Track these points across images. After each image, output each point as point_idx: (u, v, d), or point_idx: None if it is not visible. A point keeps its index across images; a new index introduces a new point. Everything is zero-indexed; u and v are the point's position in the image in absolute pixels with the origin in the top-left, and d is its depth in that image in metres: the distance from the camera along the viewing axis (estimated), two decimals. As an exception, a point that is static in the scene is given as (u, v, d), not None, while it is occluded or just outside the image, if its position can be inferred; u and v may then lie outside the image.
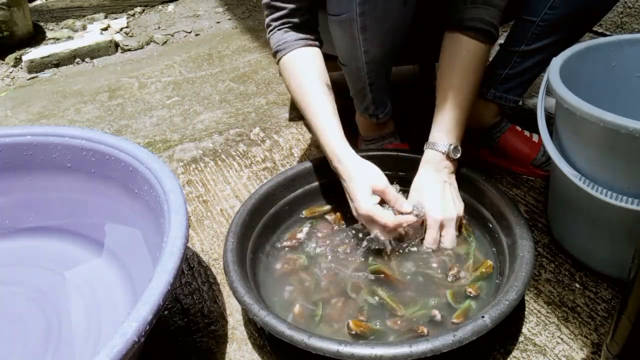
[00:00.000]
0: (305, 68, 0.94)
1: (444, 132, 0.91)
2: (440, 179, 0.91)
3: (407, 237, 0.90)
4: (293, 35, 0.94)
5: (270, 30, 0.97)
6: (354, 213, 0.88)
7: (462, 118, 0.92)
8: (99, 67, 1.98)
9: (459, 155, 0.91)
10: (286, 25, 0.95)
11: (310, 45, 0.95)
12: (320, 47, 0.98)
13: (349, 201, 0.89)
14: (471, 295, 0.82)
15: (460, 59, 0.92)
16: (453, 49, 0.93)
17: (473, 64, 0.92)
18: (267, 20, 0.97)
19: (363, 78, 1.00)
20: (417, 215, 0.88)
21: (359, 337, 0.77)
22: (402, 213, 0.87)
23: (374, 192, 0.85)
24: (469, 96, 0.93)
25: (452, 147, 0.90)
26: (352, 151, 0.89)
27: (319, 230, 0.98)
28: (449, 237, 0.90)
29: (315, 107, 0.91)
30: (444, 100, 0.92)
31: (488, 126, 1.15)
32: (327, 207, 1.02)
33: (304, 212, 1.01)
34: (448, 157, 0.91)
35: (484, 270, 0.86)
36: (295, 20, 0.94)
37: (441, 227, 0.89)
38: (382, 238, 0.87)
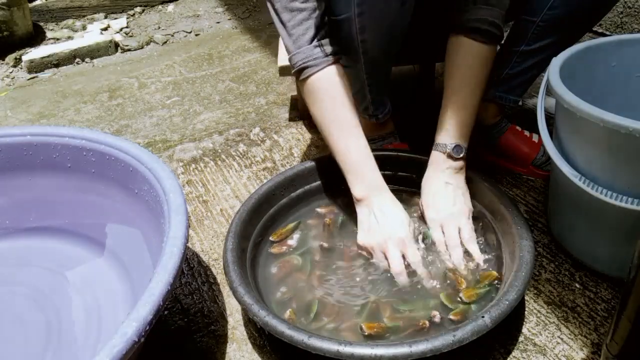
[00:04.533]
0: (337, 90, 0.90)
1: (446, 132, 0.92)
2: (442, 180, 0.92)
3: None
4: (321, 52, 0.89)
5: (295, 41, 0.88)
6: (374, 239, 0.87)
7: (466, 117, 0.92)
8: (99, 67, 1.98)
9: (462, 154, 0.91)
10: (314, 36, 0.88)
11: (336, 62, 0.91)
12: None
13: (362, 229, 0.89)
14: (463, 301, 0.81)
15: (465, 61, 0.93)
16: (456, 52, 0.94)
17: (477, 66, 0.93)
18: (289, 27, 0.88)
19: (362, 78, 1.00)
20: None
21: (373, 339, 0.77)
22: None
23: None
24: (473, 96, 0.93)
25: (453, 146, 0.90)
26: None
27: (312, 229, 0.97)
28: (451, 237, 0.89)
29: (351, 136, 0.90)
30: (448, 101, 0.93)
31: (488, 126, 1.15)
32: (292, 224, 0.98)
33: (272, 237, 0.96)
34: (450, 156, 0.91)
35: (486, 281, 0.84)
36: (317, 21, 0.88)
37: (441, 227, 0.90)
38: (381, 265, 0.87)
